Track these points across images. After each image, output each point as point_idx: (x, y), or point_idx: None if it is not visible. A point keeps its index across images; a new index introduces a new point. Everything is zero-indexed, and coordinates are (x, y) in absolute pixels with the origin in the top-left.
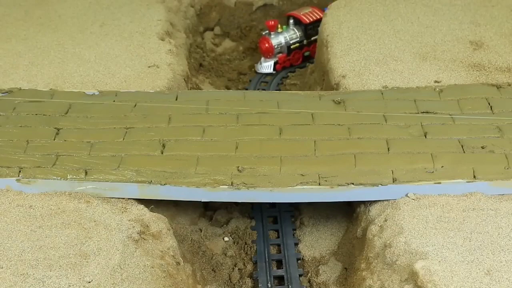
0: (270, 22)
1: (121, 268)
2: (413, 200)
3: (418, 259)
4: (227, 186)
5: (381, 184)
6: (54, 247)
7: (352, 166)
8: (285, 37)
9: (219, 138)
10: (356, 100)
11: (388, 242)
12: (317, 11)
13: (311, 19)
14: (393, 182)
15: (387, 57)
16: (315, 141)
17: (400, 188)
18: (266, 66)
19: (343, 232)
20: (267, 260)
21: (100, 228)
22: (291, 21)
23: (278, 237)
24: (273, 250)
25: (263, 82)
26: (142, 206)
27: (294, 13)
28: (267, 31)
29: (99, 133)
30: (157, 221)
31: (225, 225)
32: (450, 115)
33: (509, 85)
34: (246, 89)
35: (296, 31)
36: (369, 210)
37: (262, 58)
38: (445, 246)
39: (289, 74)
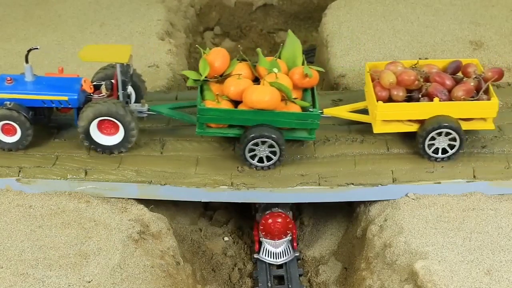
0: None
1: (121, 268)
2: (413, 200)
3: (418, 259)
4: (227, 186)
5: (381, 184)
6: (54, 247)
7: (352, 166)
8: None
9: (219, 138)
10: (356, 100)
11: (388, 242)
12: None
13: None
14: (393, 182)
15: (387, 57)
16: (314, 141)
17: (400, 188)
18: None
19: (343, 232)
20: None
21: (100, 228)
22: None
23: None
24: None
25: None
26: (142, 206)
27: None
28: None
29: None
30: (157, 221)
31: (225, 225)
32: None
33: (509, 85)
34: None
35: None
36: (369, 210)
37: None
38: (445, 246)
39: None
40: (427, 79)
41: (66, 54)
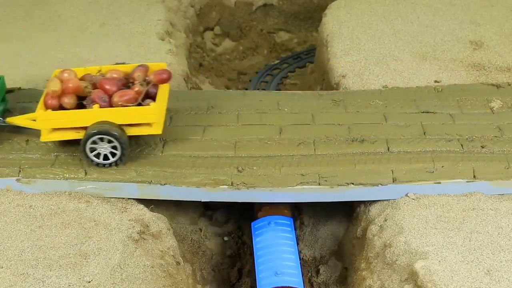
0: None
1: (121, 268)
2: (413, 200)
3: (418, 259)
4: (227, 186)
5: (381, 184)
6: (54, 247)
7: (352, 166)
8: None
9: (219, 138)
10: (356, 100)
11: (388, 242)
12: None
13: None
14: (393, 182)
15: (387, 57)
16: (314, 141)
17: (400, 188)
18: None
19: (343, 232)
20: None
21: (100, 228)
22: None
23: None
24: None
25: (263, 82)
26: (142, 206)
27: None
28: None
29: None
30: (157, 221)
31: (225, 225)
32: (450, 114)
33: (509, 85)
34: (246, 89)
35: None
36: (369, 210)
37: None
38: (445, 246)
39: (289, 74)
40: (96, 86)
41: (66, 54)
